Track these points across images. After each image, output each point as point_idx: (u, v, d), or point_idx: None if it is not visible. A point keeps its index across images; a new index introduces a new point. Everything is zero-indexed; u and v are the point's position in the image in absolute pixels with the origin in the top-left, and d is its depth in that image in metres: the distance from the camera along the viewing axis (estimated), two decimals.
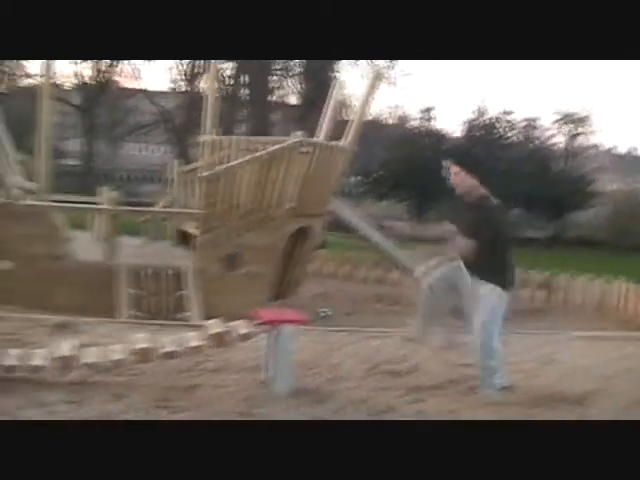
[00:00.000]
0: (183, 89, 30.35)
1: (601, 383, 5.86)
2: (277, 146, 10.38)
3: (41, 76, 6.03)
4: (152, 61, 29.08)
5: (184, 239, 11.81)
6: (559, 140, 29.87)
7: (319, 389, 5.39)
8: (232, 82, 29.28)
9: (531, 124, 29.20)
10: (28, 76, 28.68)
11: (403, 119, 30.39)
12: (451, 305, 5.95)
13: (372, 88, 11.58)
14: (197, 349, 5.29)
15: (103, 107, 31.73)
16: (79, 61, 29.26)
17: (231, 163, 10.62)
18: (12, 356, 5.19)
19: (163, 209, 12.75)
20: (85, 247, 10.59)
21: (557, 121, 29.94)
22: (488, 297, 5.39)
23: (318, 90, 23.46)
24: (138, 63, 30.12)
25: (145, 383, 5.22)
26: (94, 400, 4.85)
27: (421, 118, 29.61)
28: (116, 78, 31.14)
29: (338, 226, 13.06)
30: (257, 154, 10.36)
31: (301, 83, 29.98)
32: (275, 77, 29.97)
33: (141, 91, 31.21)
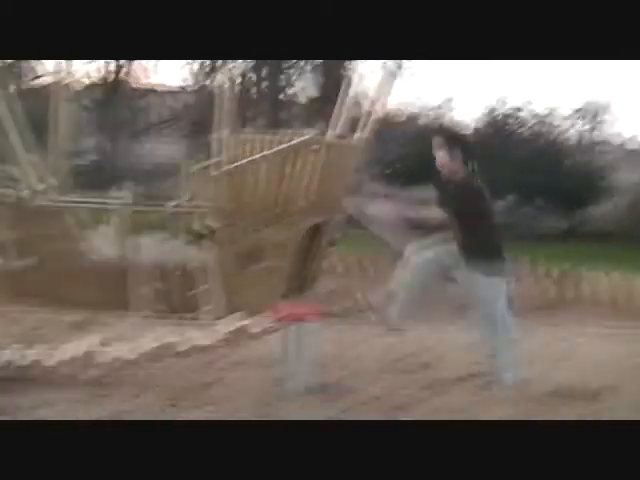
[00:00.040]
0: (199, 85, 30.35)
1: (617, 379, 5.85)
2: (288, 143, 10.39)
3: (55, 75, 6.07)
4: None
5: (200, 235, 11.82)
6: (575, 132, 29.60)
7: (338, 384, 5.39)
8: (249, 78, 29.25)
9: (546, 118, 28.96)
10: (43, 75, 28.77)
11: (417, 115, 30.19)
12: (435, 294, 5.42)
13: (386, 83, 11.53)
14: (221, 343, 5.25)
15: (119, 104, 31.79)
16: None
17: (245, 159, 10.64)
18: (27, 355, 5.21)
19: (179, 207, 12.75)
20: (105, 243, 10.63)
21: (573, 114, 29.69)
22: (485, 288, 5.18)
23: (335, 86, 23.36)
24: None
25: (162, 380, 5.25)
26: (113, 399, 4.90)
27: (437, 112, 29.47)
28: (132, 75, 31.18)
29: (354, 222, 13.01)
30: (271, 151, 10.38)
31: (318, 78, 29.88)
32: (289, 72, 29.92)
33: (154, 89, 31.22)
